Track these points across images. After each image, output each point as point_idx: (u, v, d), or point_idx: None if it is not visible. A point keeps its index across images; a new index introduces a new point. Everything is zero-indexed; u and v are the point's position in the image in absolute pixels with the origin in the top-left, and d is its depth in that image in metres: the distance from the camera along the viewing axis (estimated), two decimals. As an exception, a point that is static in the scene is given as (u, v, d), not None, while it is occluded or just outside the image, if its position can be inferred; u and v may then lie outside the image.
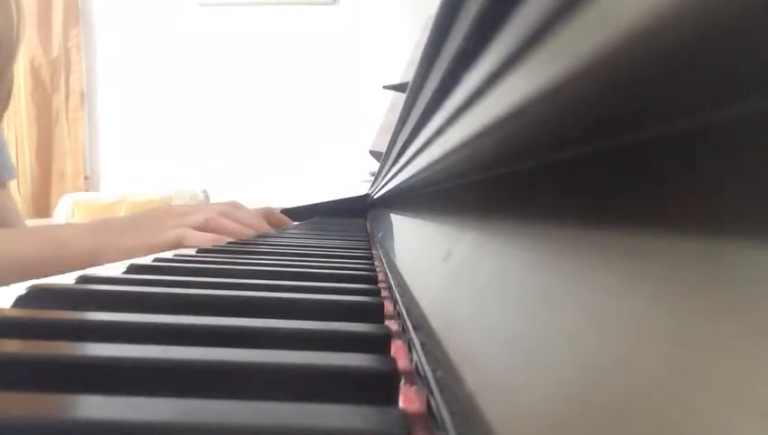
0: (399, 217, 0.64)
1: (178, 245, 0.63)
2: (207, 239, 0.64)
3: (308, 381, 0.18)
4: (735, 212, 0.08)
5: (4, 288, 0.30)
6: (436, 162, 0.26)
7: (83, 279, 0.33)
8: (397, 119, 0.41)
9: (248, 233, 0.71)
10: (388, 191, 0.72)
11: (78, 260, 0.57)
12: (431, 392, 0.16)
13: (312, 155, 2.56)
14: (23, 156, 2.54)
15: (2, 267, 0.57)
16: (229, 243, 0.63)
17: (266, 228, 0.80)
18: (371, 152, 1.19)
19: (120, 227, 0.66)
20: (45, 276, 0.46)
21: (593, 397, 0.10)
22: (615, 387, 0.09)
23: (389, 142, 0.54)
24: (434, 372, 0.17)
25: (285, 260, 0.48)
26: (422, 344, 0.20)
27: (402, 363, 0.20)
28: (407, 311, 0.26)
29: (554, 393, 0.11)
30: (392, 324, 0.27)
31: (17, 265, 0.57)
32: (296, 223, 1.12)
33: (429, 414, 0.16)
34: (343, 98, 2.55)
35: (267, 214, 0.88)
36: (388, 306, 0.30)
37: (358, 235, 0.83)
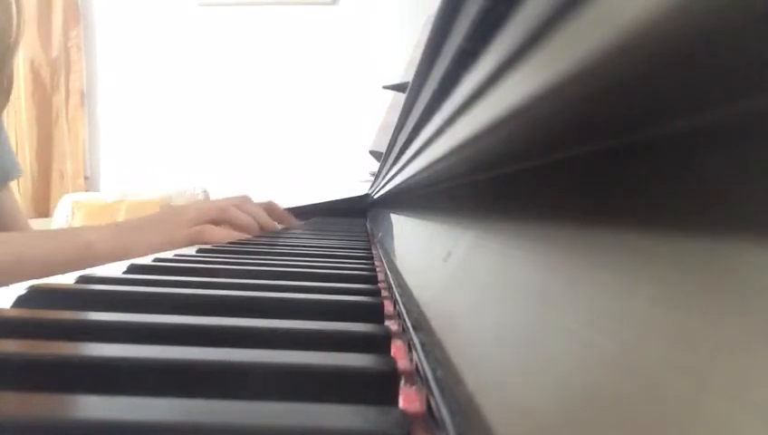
0: (399, 217, 0.64)
1: (199, 240, 0.66)
2: (224, 235, 0.67)
3: (308, 382, 0.18)
4: (736, 212, 0.08)
5: (4, 288, 0.30)
6: (436, 162, 0.26)
7: (83, 279, 0.33)
8: (397, 119, 0.41)
9: (257, 227, 0.75)
10: (389, 191, 0.72)
11: (104, 260, 0.58)
12: (431, 392, 0.16)
13: (312, 155, 2.55)
14: (23, 156, 2.53)
15: (32, 271, 0.57)
16: (229, 243, 0.63)
17: (273, 225, 0.82)
18: (371, 152, 1.19)
19: (141, 225, 0.68)
20: None
21: (593, 397, 0.10)
22: (615, 387, 0.09)
23: (389, 142, 0.54)
24: (434, 372, 0.17)
25: (285, 260, 0.48)
26: (422, 344, 0.20)
27: (402, 363, 0.20)
28: (407, 311, 0.26)
29: (554, 393, 0.11)
30: (392, 324, 0.27)
31: (48, 268, 0.57)
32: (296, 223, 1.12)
33: (429, 414, 0.16)
34: (343, 98, 2.54)
35: (268, 208, 0.89)
36: (389, 306, 0.30)
37: (358, 235, 0.83)
